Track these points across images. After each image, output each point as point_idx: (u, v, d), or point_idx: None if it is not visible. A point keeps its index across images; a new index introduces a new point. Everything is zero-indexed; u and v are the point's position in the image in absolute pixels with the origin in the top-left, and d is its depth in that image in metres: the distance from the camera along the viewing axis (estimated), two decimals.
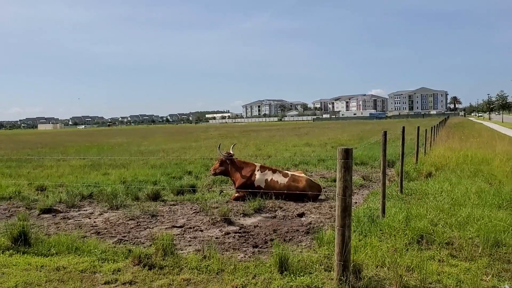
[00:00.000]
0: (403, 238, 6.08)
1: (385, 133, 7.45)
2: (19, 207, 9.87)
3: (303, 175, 10.01)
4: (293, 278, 4.87)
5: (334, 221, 7.65)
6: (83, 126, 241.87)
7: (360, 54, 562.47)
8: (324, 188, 10.68)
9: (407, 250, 5.70)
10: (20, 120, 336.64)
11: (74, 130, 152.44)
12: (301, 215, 8.27)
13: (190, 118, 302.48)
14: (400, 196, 9.22)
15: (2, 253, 6.09)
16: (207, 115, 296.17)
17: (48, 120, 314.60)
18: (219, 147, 10.93)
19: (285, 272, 5.01)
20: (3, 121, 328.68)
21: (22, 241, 6.33)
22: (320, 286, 4.69)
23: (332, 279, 4.77)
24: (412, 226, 6.44)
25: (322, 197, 9.82)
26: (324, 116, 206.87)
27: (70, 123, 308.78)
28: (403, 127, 9.77)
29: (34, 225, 7.88)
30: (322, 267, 5.19)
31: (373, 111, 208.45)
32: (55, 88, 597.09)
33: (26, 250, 6.19)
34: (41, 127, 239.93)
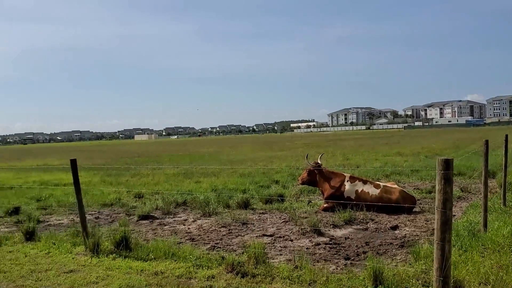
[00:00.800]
0: (508, 255, 5.61)
1: (486, 142, 6.97)
2: (120, 213, 10.55)
3: (396, 186, 9.64)
4: None
5: (431, 234, 7.30)
6: (175, 136, 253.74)
7: (455, 57, 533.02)
8: (418, 200, 10.20)
9: None
10: (118, 131, 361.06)
11: (167, 140, 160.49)
12: (394, 227, 7.95)
13: (275, 127, 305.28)
14: (503, 209, 8.54)
15: (106, 257, 6.54)
16: (292, 124, 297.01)
17: (143, 131, 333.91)
18: (306, 157, 10.89)
19: (380, 286, 4.84)
20: (104, 132, 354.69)
21: (123, 245, 6.75)
22: None
23: None
24: None
25: (416, 209, 9.38)
26: (416, 124, 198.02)
27: (163, 133, 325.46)
28: (506, 135, 9.06)
29: (134, 230, 8.37)
30: (419, 282, 4.94)
31: (469, 118, 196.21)
32: (150, 101, 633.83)
33: (127, 254, 6.58)
34: (137, 137, 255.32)
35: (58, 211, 11.09)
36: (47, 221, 9.93)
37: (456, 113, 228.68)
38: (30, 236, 7.90)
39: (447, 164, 4.15)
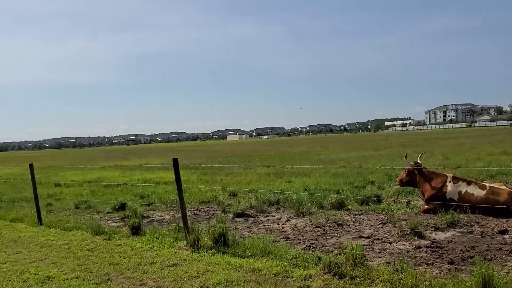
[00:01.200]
0: None
1: None
2: (216, 210, 10.91)
3: (504, 187, 8.89)
4: None
5: None
6: (265, 137, 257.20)
7: None
8: None
9: None
10: (212, 132, 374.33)
11: (257, 140, 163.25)
12: (503, 232, 7.35)
13: (369, 126, 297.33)
14: None
15: (206, 252, 6.79)
16: (386, 123, 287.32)
17: (235, 132, 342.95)
18: (406, 157, 10.43)
19: None
20: (199, 133, 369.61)
21: (221, 242, 6.97)
22: None
23: None
24: None
25: None
26: None
27: (254, 134, 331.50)
28: None
29: (230, 227, 8.59)
30: None
31: None
32: (241, 103, 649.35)
33: (225, 250, 6.78)
34: (229, 138, 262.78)
35: (160, 207, 11.74)
36: (150, 217, 10.55)
37: None
38: (135, 230, 8.43)
39: None
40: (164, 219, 10.23)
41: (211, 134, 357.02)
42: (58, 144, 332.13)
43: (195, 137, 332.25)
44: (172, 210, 11.20)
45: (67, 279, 6.03)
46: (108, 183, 18.06)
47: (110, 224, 9.81)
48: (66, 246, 7.91)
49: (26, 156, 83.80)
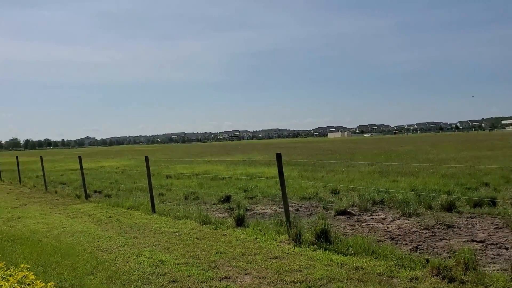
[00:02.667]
0: None
1: None
2: (317, 207, 10.88)
3: None
4: None
5: None
6: (369, 134, 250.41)
7: None
8: None
9: None
10: (313, 129, 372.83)
11: (361, 138, 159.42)
12: None
13: (483, 124, 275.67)
14: None
15: (308, 247, 6.82)
16: (503, 121, 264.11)
17: (336, 129, 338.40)
18: None
19: None
20: (299, 130, 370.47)
21: (323, 238, 6.95)
22: None
23: None
24: None
25: None
26: None
27: (357, 131, 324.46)
28: None
29: (332, 224, 8.53)
30: None
31: None
32: (343, 99, 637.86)
33: (327, 246, 6.75)
34: (330, 135, 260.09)
35: (262, 201, 12.02)
36: (253, 210, 10.84)
37: None
38: (240, 222, 8.72)
39: None
40: (266, 212, 10.45)
41: (312, 131, 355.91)
42: (169, 139, 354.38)
43: (296, 134, 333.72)
44: (274, 204, 11.40)
45: (178, 264, 6.42)
46: (214, 176, 18.88)
47: (216, 215, 10.25)
48: (176, 234, 8.42)
49: (140, 150, 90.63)
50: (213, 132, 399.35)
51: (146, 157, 11.79)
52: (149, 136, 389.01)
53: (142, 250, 7.36)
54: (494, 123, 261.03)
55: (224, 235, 8.10)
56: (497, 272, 5.33)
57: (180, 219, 9.77)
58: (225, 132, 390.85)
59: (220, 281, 5.64)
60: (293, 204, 11.32)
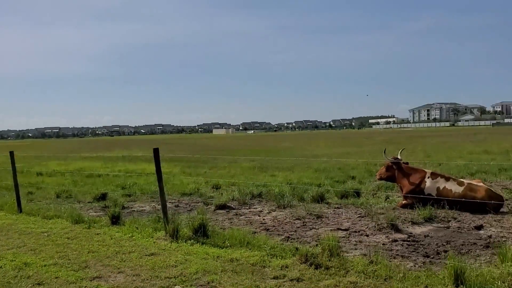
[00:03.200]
0: None
1: None
2: (198, 202, 10.92)
3: (481, 184, 9.07)
4: None
5: None
6: (252, 131, 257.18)
7: None
8: (507, 200, 9.53)
9: None
10: (198, 125, 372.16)
11: (244, 134, 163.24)
12: (479, 227, 7.50)
13: (353, 123, 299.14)
14: None
15: (185, 242, 6.81)
16: (370, 120, 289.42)
17: (221, 125, 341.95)
18: (384, 152, 10.57)
19: (461, 286, 4.61)
20: (184, 126, 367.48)
21: (201, 232, 6.99)
22: None
23: None
24: None
25: (504, 209, 8.77)
26: (506, 120, 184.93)
27: (240, 128, 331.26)
28: None
29: (211, 219, 8.62)
30: (506, 284, 4.63)
31: None
32: (228, 96, 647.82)
33: (204, 241, 6.81)
34: (215, 131, 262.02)
35: (141, 198, 11.71)
36: (131, 207, 10.52)
37: None
38: (115, 220, 8.40)
39: None
40: (144, 210, 10.22)
41: (196, 127, 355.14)
42: (42, 134, 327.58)
43: (180, 130, 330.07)
44: (153, 201, 11.18)
45: (45, 265, 6.00)
46: (90, 173, 17.93)
47: (90, 214, 9.76)
48: (45, 234, 7.86)
49: (7, 145, 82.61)
50: (91, 126, 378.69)
51: (11, 152, 10.81)
52: (19, 130, 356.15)
53: (4, 253, 6.75)
54: (363, 122, 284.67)
55: (98, 234, 7.75)
56: (358, 257, 5.82)
57: (50, 219, 9.13)
58: (105, 127, 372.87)
59: (91, 281, 5.39)
60: (173, 200, 11.21)
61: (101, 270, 5.75)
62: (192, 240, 6.85)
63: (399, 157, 10.03)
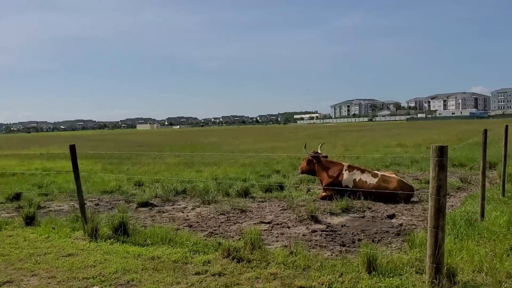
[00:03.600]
0: (504, 243, 5.64)
1: (485, 132, 6.99)
2: (119, 200, 10.62)
3: (394, 175, 9.66)
4: (382, 279, 4.73)
5: (427, 223, 7.33)
6: (178, 126, 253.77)
7: (459, 49, 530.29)
8: (417, 190, 10.22)
9: (507, 255, 5.27)
10: (121, 121, 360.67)
11: (169, 130, 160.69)
12: (391, 216, 8.00)
13: (279, 118, 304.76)
14: (502, 200, 8.57)
15: (105, 241, 6.60)
16: (295, 116, 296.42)
17: (146, 121, 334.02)
18: (305, 146, 10.92)
19: (373, 272, 4.88)
20: (106, 121, 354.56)
21: (121, 231, 6.81)
22: None
23: (423, 282, 4.57)
24: None
25: (414, 199, 9.41)
26: (419, 116, 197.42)
27: (166, 123, 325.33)
28: (506, 126, 9.06)
29: (132, 217, 8.43)
30: (413, 269, 4.97)
31: (473, 110, 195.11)
32: (153, 91, 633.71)
33: (125, 239, 6.64)
34: (139, 127, 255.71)
35: (59, 197, 11.16)
36: (48, 207, 10.01)
37: (460, 105, 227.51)
38: (30, 221, 7.96)
39: (441, 151, 4.18)
40: (62, 209, 9.76)
41: (120, 123, 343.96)
42: None
43: (102, 126, 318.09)
44: (72, 200, 10.69)
45: None
46: (2, 172, 16.78)
47: (2, 215, 9.17)
48: None
49: None
50: (5, 123, 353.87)
51: None
52: None
53: None
54: (288, 117, 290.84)
55: (10, 236, 7.30)
56: (279, 249, 5.98)
57: None
58: (20, 123, 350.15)
59: (0, 286, 5.08)
60: (93, 199, 10.82)
61: (12, 274, 5.43)
62: (112, 239, 6.66)
63: (319, 151, 10.41)
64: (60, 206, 10.10)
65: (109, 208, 9.70)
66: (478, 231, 6.19)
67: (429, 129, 54.51)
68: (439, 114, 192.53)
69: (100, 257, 5.90)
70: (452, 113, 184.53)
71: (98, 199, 10.86)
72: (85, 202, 7.48)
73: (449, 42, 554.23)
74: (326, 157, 10.35)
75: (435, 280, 4.25)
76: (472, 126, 61.56)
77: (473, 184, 11.45)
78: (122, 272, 5.31)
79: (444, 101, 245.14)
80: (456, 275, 4.53)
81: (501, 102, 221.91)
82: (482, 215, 6.86)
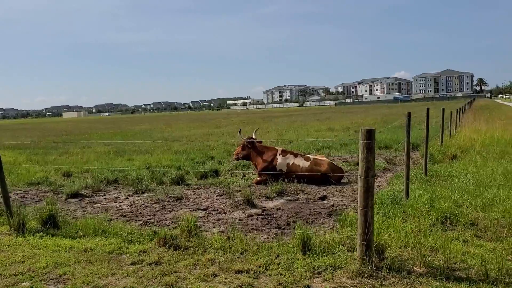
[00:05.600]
0: (427, 219, 6.03)
1: (409, 114, 7.38)
2: (47, 192, 10.13)
3: (325, 158, 9.99)
4: (316, 258, 4.91)
5: (357, 203, 7.67)
6: (106, 114, 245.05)
7: (383, 36, 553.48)
8: (347, 172, 10.64)
9: (431, 231, 5.65)
10: (45, 109, 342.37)
11: (98, 118, 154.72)
12: (323, 198, 8.28)
13: (212, 104, 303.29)
14: (424, 178, 9.12)
15: (33, 235, 6.28)
16: (228, 102, 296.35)
17: (72, 108, 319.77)
18: (239, 132, 10.97)
19: (308, 252, 5.05)
20: (30, 110, 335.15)
21: (51, 224, 6.52)
22: (343, 266, 4.71)
23: (355, 259, 4.80)
24: (436, 207, 6.38)
25: (344, 180, 9.80)
26: (347, 100, 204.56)
27: (94, 111, 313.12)
28: (428, 109, 9.62)
29: (62, 209, 8.10)
30: (345, 247, 5.21)
31: (397, 94, 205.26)
32: (79, 77, 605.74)
33: (55, 232, 6.37)
34: (65, 115, 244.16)
35: None
36: None
37: (385, 90, 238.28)
38: None
39: (369, 134, 4.37)
40: None
41: (44, 111, 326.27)
42: None
43: (25, 114, 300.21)
44: None
45: None
46: None
47: None
48: None
49: None
50: None
51: None
52: None
53: None
54: (221, 103, 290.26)
55: None
56: (217, 235, 6.01)
57: None
58: None
59: None
60: (18, 191, 10.24)
61: None
62: (41, 233, 6.35)
63: (253, 136, 10.51)
64: None
65: (36, 201, 9.23)
66: (404, 209, 6.57)
67: (356, 113, 56.70)
68: (366, 98, 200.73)
69: (28, 252, 5.63)
70: (378, 98, 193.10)
71: (24, 191, 10.29)
72: (9, 195, 7.05)
73: (373, 30, 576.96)
74: (260, 142, 10.48)
75: (365, 257, 4.48)
76: (396, 110, 64.87)
77: (398, 165, 12.10)
78: (53, 266, 5.10)
79: (370, 86, 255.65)
80: (385, 251, 4.80)
81: (422, 86, 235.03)
82: (407, 193, 7.28)
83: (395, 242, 5.24)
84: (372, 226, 4.54)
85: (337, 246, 5.24)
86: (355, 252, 4.99)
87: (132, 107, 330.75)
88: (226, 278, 4.58)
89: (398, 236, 5.36)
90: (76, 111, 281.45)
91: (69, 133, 38.03)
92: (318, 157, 10.08)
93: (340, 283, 4.38)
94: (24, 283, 4.67)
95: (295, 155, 9.94)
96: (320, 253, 5.04)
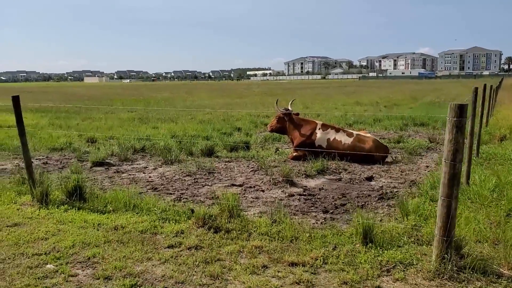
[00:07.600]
0: (498, 209, 5.30)
1: (476, 90, 6.57)
2: (71, 158, 9.65)
3: (369, 135, 9.21)
4: (380, 252, 4.24)
5: (410, 186, 6.96)
6: (128, 80, 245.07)
7: (409, 10, 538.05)
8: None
9: (507, 223, 4.91)
10: (67, 73, 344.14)
11: (119, 84, 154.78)
12: (369, 178, 7.56)
13: (232, 74, 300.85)
14: (477, 161, 8.32)
15: (57, 208, 5.73)
16: (248, 72, 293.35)
17: (94, 73, 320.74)
18: (276, 103, 10.22)
19: (370, 244, 4.38)
20: (51, 73, 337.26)
21: (77, 195, 5.97)
22: (414, 263, 4.03)
23: (424, 254, 4.14)
24: (510, 196, 5.61)
25: (388, 159, 9.04)
26: (371, 74, 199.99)
27: (115, 77, 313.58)
28: (485, 85, 8.75)
29: (88, 178, 7.57)
30: (411, 240, 4.52)
31: (422, 70, 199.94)
32: (100, 42, 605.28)
33: (81, 205, 5.82)
34: (87, 80, 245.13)
35: (1, 155, 10.02)
36: None
37: (409, 65, 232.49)
38: None
39: (461, 111, 3.63)
40: (5, 168, 8.67)
41: (66, 75, 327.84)
42: None
43: (47, 78, 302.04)
44: (16, 158, 9.60)
45: None
46: None
47: None
48: None
49: None
50: None
51: None
52: None
53: None
54: (241, 74, 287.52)
55: None
56: (259, 217, 5.39)
57: None
58: None
59: None
60: (41, 157, 9.77)
61: None
62: (66, 205, 5.78)
63: (290, 108, 9.77)
64: (2, 165, 8.99)
65: (60, 168, 8.74)
66: (468, 196, 5.84)
67: (382, 88, 55.11)
68: (390, 73, 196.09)
69: (53, 227, 5.07)
70: (402, 73, 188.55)
71: (47, 157, 9.81)
72: (32, 161, 6.51)
73: (398, 3, 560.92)
74: (297, 114, 9.74)
75: (446, 255, 3.79)
76: (422, 86, 62.97)
77: (441, 144, 11.25)
78: (80, 246, 4.52)
79: (395, 60, 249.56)
80: (462, 247, 4.10)
81: (447, 63, 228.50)
82: (468, 179, 6.53)
83: (470, 237, 4.52)
84: (455, 220, 3.84)
85: (402, 238, 4.56)
86: (424, 246, 4.33)
87: (153, 75, 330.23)
88: (279, 272, 3.94)
89: (473, 230, 4.65)
90: (97, 76, 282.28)
91: (91, 98, 37.71)
92: (361, 132, 9.31)
93: (416, 284, 3.70)
94: (48, 265, 4.11)
95: (337, 130, 9.18)
96: (384, 245, 4.36)
